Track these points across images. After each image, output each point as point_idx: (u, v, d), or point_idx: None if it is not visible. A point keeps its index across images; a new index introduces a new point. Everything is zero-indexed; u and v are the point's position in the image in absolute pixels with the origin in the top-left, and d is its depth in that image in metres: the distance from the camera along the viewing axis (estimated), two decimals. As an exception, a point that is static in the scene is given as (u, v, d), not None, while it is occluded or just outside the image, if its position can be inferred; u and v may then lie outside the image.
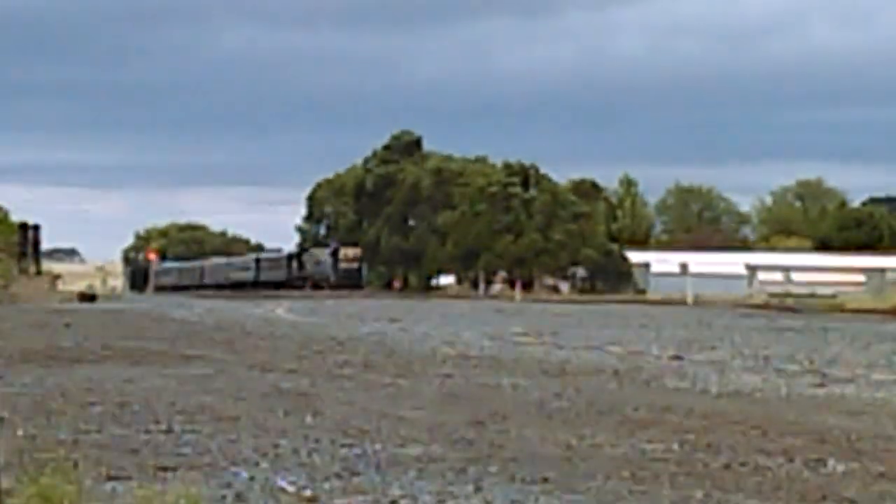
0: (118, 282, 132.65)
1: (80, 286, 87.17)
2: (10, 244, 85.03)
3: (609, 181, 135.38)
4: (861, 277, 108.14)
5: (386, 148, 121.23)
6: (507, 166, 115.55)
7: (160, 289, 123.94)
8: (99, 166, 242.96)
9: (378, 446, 12.18)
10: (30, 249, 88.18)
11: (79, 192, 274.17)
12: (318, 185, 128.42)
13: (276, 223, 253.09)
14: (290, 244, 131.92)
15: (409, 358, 24.64)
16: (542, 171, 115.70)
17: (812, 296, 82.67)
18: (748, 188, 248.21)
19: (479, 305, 68.43)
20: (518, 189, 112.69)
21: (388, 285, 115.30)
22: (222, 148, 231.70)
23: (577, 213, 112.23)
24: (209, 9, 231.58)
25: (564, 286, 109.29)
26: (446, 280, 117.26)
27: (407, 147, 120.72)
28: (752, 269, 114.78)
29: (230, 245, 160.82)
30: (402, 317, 46.99)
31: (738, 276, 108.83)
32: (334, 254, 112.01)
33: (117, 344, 27.68)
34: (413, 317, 47.56)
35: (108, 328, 35.68)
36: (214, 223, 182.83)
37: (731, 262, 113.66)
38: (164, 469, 10.61)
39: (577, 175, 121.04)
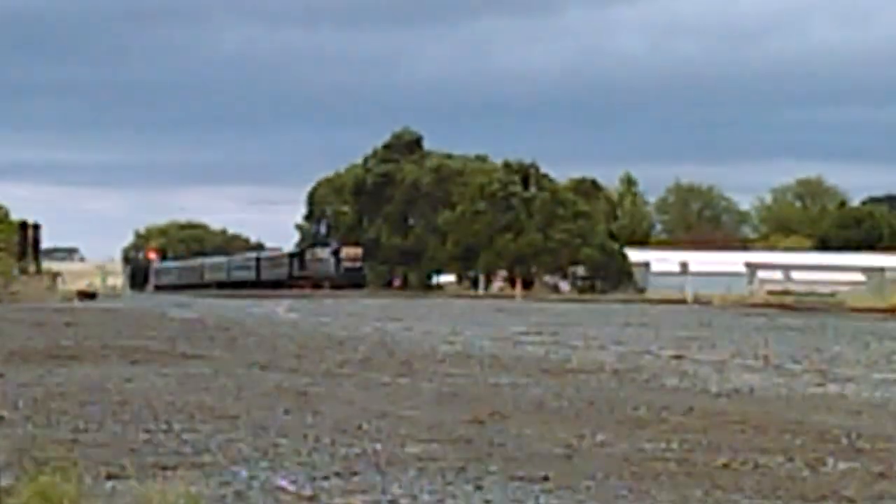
0: (118, 280, 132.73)
1: (80, 285, 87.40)
2: (11, 243, 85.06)
3: (609, 180, 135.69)
4: (861, 276, 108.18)
5: (386, 147, 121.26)
6: (507, 165, 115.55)
7: (160, 287, 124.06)
8: (99, 165, 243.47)
9: (378, 445, 12.17)
10: (30, 248, 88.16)
11: (79, 190, 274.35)
12: (318, 184, 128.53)
13: (276, 222, 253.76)
14: (290, 243, 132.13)
15: (409, 357, 24.62)
16: (543, 169, 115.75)
17: (812, 294, 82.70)
18: (748, 187, 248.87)
19: (479, 304, 68.40)
20: (518, 188, 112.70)
21: (388, 284, 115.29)
22: (222, 147, 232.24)
23: (578, 212, 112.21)
24: (209, 9, 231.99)
25: (564, 285, 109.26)
26: (446, 279, 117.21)
27: (407, 146, 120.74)
28: (752, 267, 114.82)
29: (230, 244, 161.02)
30: (402, 316, 46.98)
31: (737, 275, 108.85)
32: (336, 253, 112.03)
33: (117, 343, 27.67)
34: (413, 316, 47.54)
35: (107, 327, 35.67)
36: (214, 222, 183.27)
37: (731, 261, 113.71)
38: (164, 468, 10.59)
39: (577, 174, 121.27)
